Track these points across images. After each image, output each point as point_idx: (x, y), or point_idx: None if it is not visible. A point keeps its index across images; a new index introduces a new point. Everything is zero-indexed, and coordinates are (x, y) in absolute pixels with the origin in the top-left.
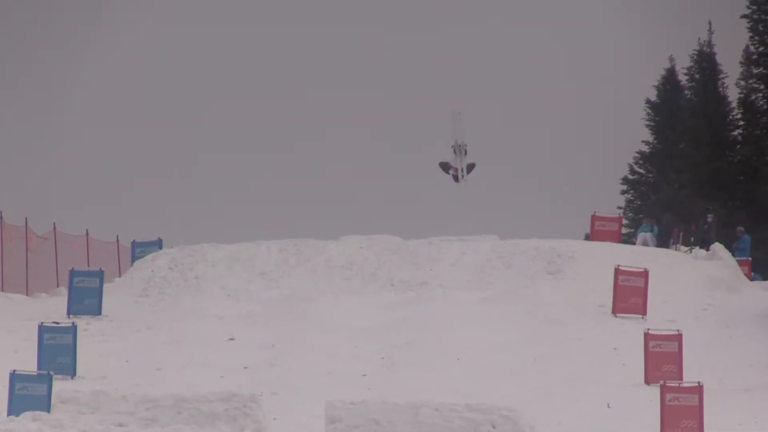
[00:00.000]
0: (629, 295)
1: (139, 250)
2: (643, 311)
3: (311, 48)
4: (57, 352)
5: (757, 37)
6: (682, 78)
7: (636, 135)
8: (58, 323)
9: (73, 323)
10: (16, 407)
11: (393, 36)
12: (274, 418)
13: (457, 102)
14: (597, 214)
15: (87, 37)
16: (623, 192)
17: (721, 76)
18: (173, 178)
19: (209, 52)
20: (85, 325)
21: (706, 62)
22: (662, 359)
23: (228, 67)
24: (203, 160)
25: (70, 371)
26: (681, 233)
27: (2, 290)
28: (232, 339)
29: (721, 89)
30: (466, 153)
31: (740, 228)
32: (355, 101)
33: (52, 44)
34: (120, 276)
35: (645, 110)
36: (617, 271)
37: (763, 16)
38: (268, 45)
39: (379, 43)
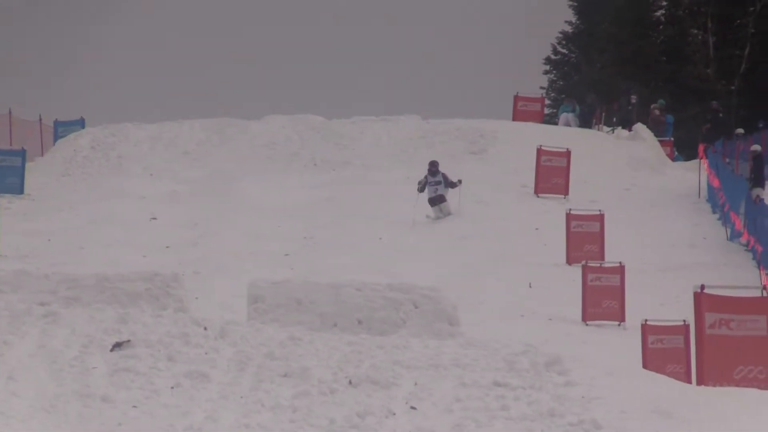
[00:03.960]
0: (551, 175)
1: (62, 129)
2: (565, 191)
3: None
4: None
5: None
6: None
7: (559, 15)
8: None
9: None
10: None
11: None
12: (196, 298)
13: None
14: (520, 94)
15: None
16: (546, 72)
17: None
18: (97, 57)
19: None
20: (7, 203)
21: None
22: (584, 239)
23: None
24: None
25: None
26: (603, 113)
27: None
28: (154, 218)
29: None
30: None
31: (655, 110)
32: None
33: None
34: (42, 155)
35: None
36: (539, 152)
37: None
38: None
39: None
